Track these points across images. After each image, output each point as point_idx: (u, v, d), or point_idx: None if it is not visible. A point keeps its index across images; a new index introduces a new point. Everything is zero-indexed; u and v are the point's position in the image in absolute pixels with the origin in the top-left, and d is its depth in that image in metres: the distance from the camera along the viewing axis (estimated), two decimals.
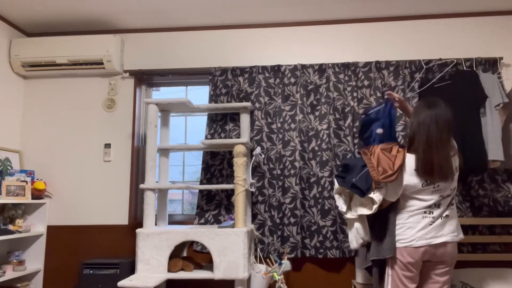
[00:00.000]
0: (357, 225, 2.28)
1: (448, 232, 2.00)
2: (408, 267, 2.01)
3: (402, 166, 2.05)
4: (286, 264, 2.71)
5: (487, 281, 2.49)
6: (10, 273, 2.80)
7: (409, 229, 2.02)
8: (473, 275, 2.56)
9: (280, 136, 3.02)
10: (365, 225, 2.25)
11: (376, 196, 2.10)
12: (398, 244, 2.03)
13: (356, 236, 2.29)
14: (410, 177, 2.04)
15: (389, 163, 2.06)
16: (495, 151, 2.58)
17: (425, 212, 2.02)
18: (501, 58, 2.96)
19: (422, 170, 1.99)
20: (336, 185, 2.28)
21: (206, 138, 3.09)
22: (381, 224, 2.14)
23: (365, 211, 2.14)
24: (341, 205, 2.26)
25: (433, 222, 2.00)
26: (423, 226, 2.00)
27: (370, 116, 2.31)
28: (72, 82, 3.33)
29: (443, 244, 1.99)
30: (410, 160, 2.05)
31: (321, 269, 2.94)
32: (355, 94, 3.01)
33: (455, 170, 2.03)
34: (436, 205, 2.01)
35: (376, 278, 2.22)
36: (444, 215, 2.01)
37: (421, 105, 2.05)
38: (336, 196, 2.29)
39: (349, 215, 2.23)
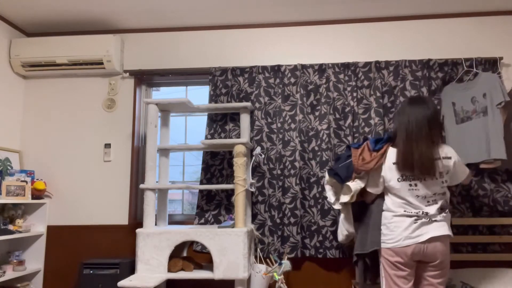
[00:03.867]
0: (341, 216, 2.39)
1: (435, 228, 1.98)
2: (398, 267, 2.01)
3: (382, 156, 2.11)
4: (286, 264, 2.71)
5: (487, 281, 2.49)
6: (10, 273, 2.80)
7: (394, 228, 2.02)
8: (473, 275, 2.56)
9: (280, 136, 3.02)
10: (349, 216, 2.35)
11: (353, 184, 2.20)
12: (386, 245, 2.04)
13: (341, 227, 2.40)
14: (389, 170, 2.07)
15: (371, 154, 2.15)
16: (497, 150, 2.58)
17: (406, 211, 2.01)
18: (501, 58, 2.95)
19: (402, 163, 2.00)
20: (327, 176, 2.39)
21: (206, 138, 3.09)
22: (366, 218, 2.20)
23: (345, 199, 2.25)
24: (330, 196, 2.39)
25: (417, 220, 1.98)
26: (408, 225, 1.99)
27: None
28: (72, 82, 3.33)
29: (431, 240, 1.96)
30: (392, 153, 2.09)
31: (321, 269, 2.94)
32: (355, 94, 3.01)
33: (440, 175, 2.00)
34: (421, 209, 1.99)
35: (361, 273, 2.29)
36: (433, 219, 1.99)
37: (405, 102, 2.11)
38: (327, 187, 2.40)
39: (336, 206, 2.35)
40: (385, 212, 2.10)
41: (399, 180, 2.03)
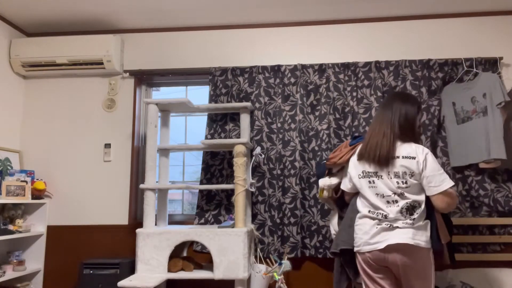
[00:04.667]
0: (331, 218, 2.42)
1: (394, 236, 1.80)
2: (366, 271, 1.92)
3: (350, 151, 2.10)
4: (286, 264, 2.70)
5: (487, 281, 2.49)
6: (10, 273, 2.80)
7: (358, 231, 1.94)
8: (473, 275, 2.56)
9: (280, 136, 3.02)
10: (333, 214, 2.38)
11: (322, 180, 2.24)
12: (355, 247, 1.96)
13: (330, 229, 2.41)
14: (353, 166, 2.02)
15: (343, 150, 2.15)
16: (497, 150, 2.58)
17: (370, 212, 1.91)
18: (501, 58, 2.95)
19: (359, 151, 1.97)
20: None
21: (206, 138, 3.09)
22: (344, 217, 2.17)
23: (319, 195, 2.31)
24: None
25: (378, 225, 1.86)
26: (368, 229, 1.88)
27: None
28: (72, 82, 3.33)
29: (390, 249, 1.80)
30: (359, 148, 2.04)
31: (321, 269, 2.94)
32: (355, 94, 3.01)
33: (395, 174, 1.84)
34: (382, 210, 1.85)
35: (337, 269, 2.23)
36: (394, 225, 1.82)
37: (388, 95, 2.11)
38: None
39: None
40: (357, 214, 1.99)
41: (360, 176, 1.95)
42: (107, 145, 3.21)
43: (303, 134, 3.02)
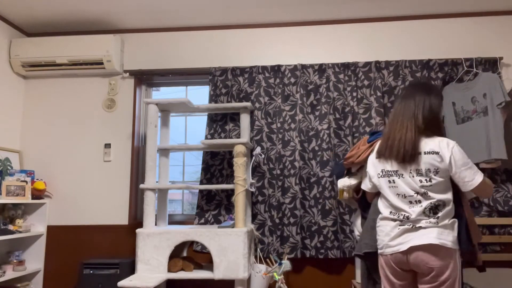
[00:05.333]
0: (354, 219, 2.33)
1: (418, 236, 1.69)
2: (387, 276, 1.82)
3: (368, 149, 1.99)
4: (286, 264, 2.71)
5: (487, 281, 2.49)
6: (10, 273, 2.80)
7: (379, 233, 1.83)
8: (473, 275, 2.56)
9: (280, 136, 3.02)
10: (356, 216, 2.30)
11: (341, 181, 2.14)
12: (378, 250, 1.85)
13: (354, 231, 2.33)
14: (372, 165, 1.90)
15: (361, 147, 2.04)
16: (497, 150, 2.58)
17: (391, 213, 1.80)
18: (501, 58, 2.95)
19: (379, 147, 1.84)
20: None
21: (206, 138, 3.09)
22: (366, 218, 2.05)
23: (339, 196, 2.21)
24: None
25: (400, 226, 1.74)
26: (389, 230, 1.78)
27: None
28: (72, 82, 3.33)
29: (412, 249, 1.69)
30: (377, 146, 1.91)
31: (321, 269, 2.94)
32: (355, 94, 3.01)
33: (417, 172, 1.73)
34: (404, 211, 1.74)
35: (363, 274, 2.10)
36: (417, 225, 1.71)
37: (406, 86, 1.96)
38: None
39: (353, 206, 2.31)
40: (378, 215, 1.88)
41: (379, 176, 1.83)
42: (107, 145, 3.21)
43: (303, 134, 3.02)
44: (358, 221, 2.24)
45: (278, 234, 2.92)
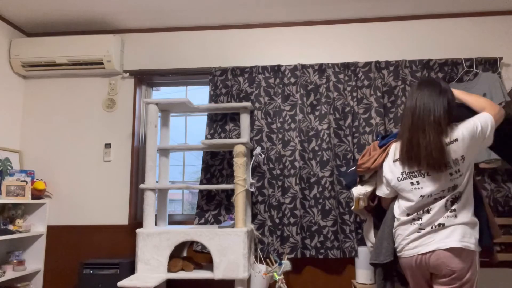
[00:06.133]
0: (365, 227, 2.22)
1: (440, 239, 1.67)
2: (407, 276, 1.82)
3: (382, 153, 1.91)
4: (286, 264, 2.71)
5: (487, 281, 2.49)
6: (10, 273, 2.80)
7: (398, 237, 1.81)
8: None
9: (280, 136, 3.02)
10: (368, 225, 2.20)
11: (356, 189, 2.02)
12: (398, 254, 1.83)
13: (366, 242, 2.22)
14: (389, 169, 1.84)
15: (372, 153, 1.96)
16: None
17: (409, 215, 1.76)
18: (501, 58, 2.95)
19: (406, 155, 1.74)
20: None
21: (206, 138, 3.09)
22: (382, 225, 1.97)
23: (354, 206, 2.08)
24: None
25: (420, 230, 1.72)
26: (408, 233, 1.75)
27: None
28: (72, 82, 3.33)
29: (434, 252, 1.68)
30: (393, 149, 1.86)
31: (321, 269, 2.94)
32: (355, 94, 3.01)
33: (454, 163, 1.68)
34: (424, 209, 1.72)
35: (379, 283, 2.00)
36: (436, 223, 1.69)
37: (414, 86, 1.83)
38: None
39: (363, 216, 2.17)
40: (396, 217, 1.84)
41: (399, 179, 1.78)
42: (107, 145, 3.21)
43: (303, 134, 3.02)
44: (371, 233, 2.15)
45: (278, 234, 2.92)
